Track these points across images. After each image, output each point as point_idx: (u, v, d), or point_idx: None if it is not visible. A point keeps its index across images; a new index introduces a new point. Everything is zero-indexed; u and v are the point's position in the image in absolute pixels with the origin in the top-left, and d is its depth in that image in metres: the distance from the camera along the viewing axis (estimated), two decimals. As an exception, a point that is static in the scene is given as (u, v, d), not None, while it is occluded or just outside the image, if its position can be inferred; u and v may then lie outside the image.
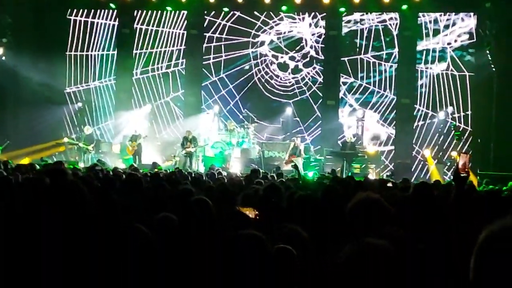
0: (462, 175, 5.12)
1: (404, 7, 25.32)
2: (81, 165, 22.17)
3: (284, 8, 26.66)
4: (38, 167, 13.62)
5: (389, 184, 12.66)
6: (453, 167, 20.82)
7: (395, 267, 2.74)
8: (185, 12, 28.31)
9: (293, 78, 27.67)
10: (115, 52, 28.99)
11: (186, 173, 14.47)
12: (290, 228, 4.16)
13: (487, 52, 24.30)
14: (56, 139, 26.96)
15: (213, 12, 28.05)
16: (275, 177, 14.69)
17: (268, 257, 3.39)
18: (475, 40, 25.51)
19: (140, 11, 28.62)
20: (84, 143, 25.25)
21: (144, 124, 27.22)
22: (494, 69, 23.84)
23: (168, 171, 16.09)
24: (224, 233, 3.84)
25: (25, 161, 20.10)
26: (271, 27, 27.79)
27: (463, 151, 24.06)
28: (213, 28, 28.10)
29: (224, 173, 16.39)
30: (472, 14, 25.77)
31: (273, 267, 3.38)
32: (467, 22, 25.84)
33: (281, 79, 27.75)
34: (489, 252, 2.31)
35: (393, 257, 2.73)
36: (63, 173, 6.82)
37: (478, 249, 2.34)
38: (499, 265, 2.27)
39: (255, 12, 27.65)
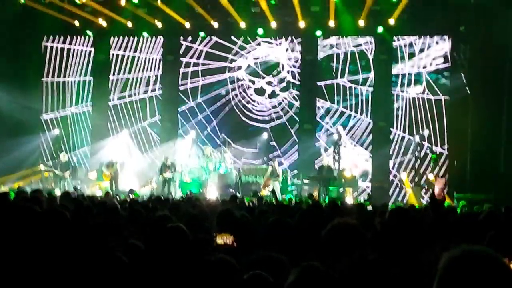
0: (438, 199, 5.15)
1: (380, 30, 25.48)
2: (58, 192, 21.98)
3: (260, 32, 26.73)
4: (13, 195, 13.46)
5: (369, 208, 12.70)
6: (429, 191, 20.99)
7: None
8: (161, 37, 28.35)
9: (270, 102, 27.71)
10: (92, 78, 28.92)
11: (163, 199, 14.37)
12: (265, 254, 4.13)
13: (462, 75, 24.52)
14: (33, 167, 26.76)
15: (190, 38, 28.10)
16: (255, 203, 14.71)
17: (239, 284, 3.37)
18: (449, 63, 25.72)
19: (116, 37, 28.61)
20: (60, 170, 25.08)
21: (121, 150, 27.09)
22: (469, 92, 24.04)
23: (145, 197, 16.02)
24: (199, 259, 3.80)
25: (1, 189, 19.92)
26: (248, 52, 27.88)
27: (440, 175, 24.30)
28: (190, 53, 28.14)
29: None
30: (446, 37, 25.99)
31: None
32: (441, 46, 26.06)
33: (258, 103, 27.79)
34: (448, 276, 2.35)
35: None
36: (38, 202, 6.76)
37: (439, 274, 2.39)
38: None
39: (232, 37, 27.74)
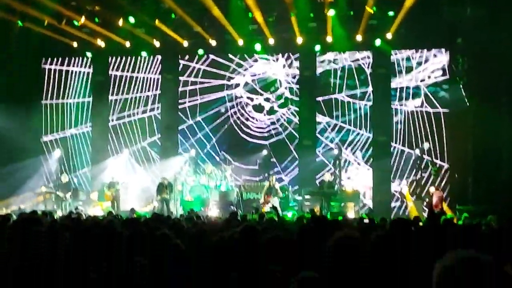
0: (436, 211, 5.16)
1: (378, 43, 25.51)
2: (59, 213, 21.98)
3: (258, 48, 26.79)
4: (15, 217, 13.45)
5: (366, 221, 12.70)
6: (427, 203, 20.99)
7: None
8: (159, 57, 28.44)
9: (268, 119, 27.73)
10: (91, 99, 28.97)
11: (164, 218, 14.34)
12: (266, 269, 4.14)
13: (461, 87, 24.54)
14: (34, 189, 26.74)
15: (187, 56, 28.17)
16: (257, 218, 14.68)
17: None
18: (448, 76, 25.75)
19: (114, 57, 28.70)
20: (62, 191, 25.10)
21: (122, 170, 27.09)
22: (468, 104, 24.06)
23: (147, 217, 15.98)
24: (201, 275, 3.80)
25: (2, 211, 19.90)
26: (246, 69, 27.94)
27: (440, 188, 24.27)
28: (188, 72, 28.21)
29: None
30: (444, 50, 26.03)
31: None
32: (439, 58, 26.09)
33: (256, 120, 27.81)
34: (444, 283, 2.36)
35: None
36: (38, 222, 6.74)
37: (435, 282, 2.39)
38: None
39: (229, 55, 27.82)
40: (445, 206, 22.94)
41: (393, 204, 25.71)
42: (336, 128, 26.91)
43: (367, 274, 3.77)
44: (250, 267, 4.46)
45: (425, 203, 23.21)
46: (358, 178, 26.55)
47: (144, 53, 28.09)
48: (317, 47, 26.60)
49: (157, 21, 25.38)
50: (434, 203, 21.39)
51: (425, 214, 22.26)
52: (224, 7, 24.36)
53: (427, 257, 4.64)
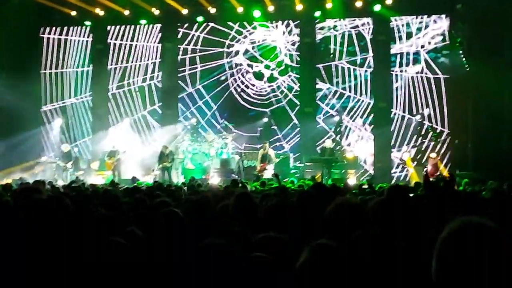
0: (432, 179, 5.18)
1: (377, 8, 25.39)
2: (60, 182, 22.01)
3: (257, 15, 26.65)
4: (15, 187, 13.51)
5: (365, 186, 12.74)
6: (423, 171, 21.03)
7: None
8: (159, 25, 28.29)
9: (269, 86, 27.67)
10: (90, 68, 28.90)
11: (165, 186, 14.39)
12: (265, 236, 4.14)
13: (461, 53, 24.44)
14: (35, 158, 26.80)
15: (187, 24, 28.03)
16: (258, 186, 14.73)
17: (240, 267, 3.39)
18: (448, 41, 25.64)
19: (113, 26, 28.57)
20: (62, 161, 25.15)
21: (123, 139, 27.09)
22: (468, 69, 23.97)
23: (147, 185, 16.05)
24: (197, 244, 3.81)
25: (3, 181, 19.95)
26: (245, 37, 27.82)
27: (441, 153, 24.30)
28: (187, 40, 28.08)
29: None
30: (444, 16, 25.89)
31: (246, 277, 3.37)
32: (439, 24, 25.97)
33: (257, 88, 27.76)
34: (449, 249, 2.36)
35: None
36: (38, 191, 6.76)
37: (439, 246, 2.39)
38: (459, 261, 2.32)
39: (229, 22, 27.67)
40: (444, 171, 23.01)
41: (394, 171, 25.74)
42: (337, 95, 26.85)
43: (366, 242, 3.78)
44: (249, 235, 4.46)
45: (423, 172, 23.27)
46: (359, 145, 26.57)
47: (143, 21, 27.95)
48: (317, 13, 26.46)
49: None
50: (430, 171, 21.47)
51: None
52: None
53: (424, 223, 4.66)
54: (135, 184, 17.16)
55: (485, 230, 2.38)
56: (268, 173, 23.19)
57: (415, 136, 25.54)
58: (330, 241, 3.08)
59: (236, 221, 5.33)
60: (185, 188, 14.75)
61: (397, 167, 25.81)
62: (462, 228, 2.40)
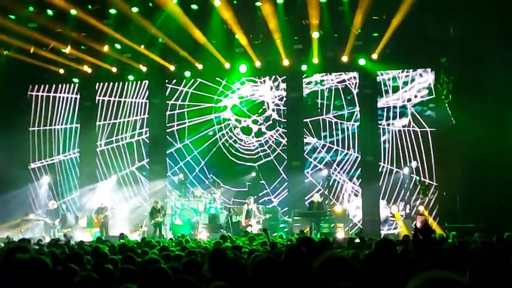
0: (420, 237, 5.20)
1: (363, 62, 25.63)
2: (48, 240, 21.84)
3: (243, 71, 26.84)
4: (2, 245, 13.41)
5: (357, 240, 12.73)
6: (412, 228, 21.00)
7: None
8: (147, 81, 28.45)
9: (256, 141, 27.74)
10: (78, 125, 28.94)
11: (155, 242, 14.31)
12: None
13: (446, 106, 24.66)
14: (23, 216, 26.63)
15: (175, 80, 28.19)
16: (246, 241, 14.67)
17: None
18: (434, 95, 25.86)
19: (101, 83, 28.71)
20: (50, 218, 25.02)
21: (110, 196, 27.04)
22: (454, 122, 24.16)
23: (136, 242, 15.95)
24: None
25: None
26: (233, 91, 27.98)
27: (427, 208, 24.33)
28: (176, 96, 28.21)
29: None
30: (429, 70, 26.16)
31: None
32: (425, 78, 26.22)
33: (245, 142, 27.81)
34: None
35: None
36: (25, 250, 6.72)
37: None
38: None
39: (217, 78, 27.84)
40: (434, 224, 23.01)
41: (383, 224, 25.69)
42: (325, 149, 26.93)
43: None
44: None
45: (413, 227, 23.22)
46: (347, 199, 26.54)
47: (131, 77, 28.08)
48: (304, 67, 26.63)
49: (142, 47, 25.54)
50: (419, 225, 21.44)
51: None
52: (208, 31, 24.60)
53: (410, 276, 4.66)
54: (123, 241, 17.04)
55: (450, 286, 2.32)
56: (252, 228, 23.25)
57: (403, 190, 25.55)
58: None
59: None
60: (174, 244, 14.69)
61: (385, 221, 25.76)
62: (425, 284, 2.35)
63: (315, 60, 25.84)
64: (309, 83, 27.36)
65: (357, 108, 26.76)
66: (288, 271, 5.10)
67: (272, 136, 27.62)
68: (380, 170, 26.12)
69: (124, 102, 28.63)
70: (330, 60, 26.18)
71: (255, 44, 25.90)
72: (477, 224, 20.33)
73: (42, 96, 29.15)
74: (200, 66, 26.85)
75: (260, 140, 27.69)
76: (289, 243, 13.21)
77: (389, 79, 26.52)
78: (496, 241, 11.61)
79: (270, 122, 27.68)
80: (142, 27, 24.50)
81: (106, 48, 25.72)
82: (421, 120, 25.90)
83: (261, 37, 25.48)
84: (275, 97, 27.72)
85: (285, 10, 23.93)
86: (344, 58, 25.55)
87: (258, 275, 5.05)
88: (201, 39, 24.71)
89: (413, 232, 8.51)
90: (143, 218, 25.38)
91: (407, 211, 25.00)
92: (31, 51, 25.32)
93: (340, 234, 22.71)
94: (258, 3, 23.80)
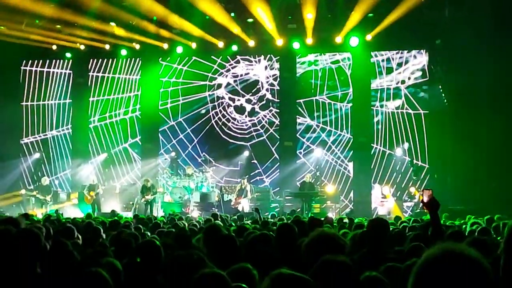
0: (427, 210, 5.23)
1: (356, 42, 25.54)
2: (39, 216, 21.85)
3: (235, 49, 26.76)
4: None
5: (345, 221, 12.79)
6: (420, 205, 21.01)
7: None
8: (140, 58, 28.33)
9: (249, 120, 27.72)
10: (71, 101, 28.84)
11: (146, 219, 14.34)
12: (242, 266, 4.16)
13: (440, 87, 24.68)
14: (14, 191, 26.63)
15: (169, 58, 28.05)
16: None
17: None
18: (427, 77, 25.86)
19: (94, 59, 28.58)
20: (42, 194, 25.03)
21: (102, 172, 27.08)
22: (447, 104, 24.20)
23: (127, 219, 15.99)
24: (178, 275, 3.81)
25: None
26: (228, 70, 27.90)
27: (424, 187, 24.37)
28: (170, 73, 28.11)
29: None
30: (423, 51, 26.14)
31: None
32: (419, 59, 26.20)
33: (238, 121, 27.79)
34: (426, 276, 2.29)
35: None
36: (15, 223, 6.74)
37: (416, 272, 2.33)
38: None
39: (212, 56, 27.72)
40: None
41: (374, 205, 25.76)
42: (317, 130, 26.93)
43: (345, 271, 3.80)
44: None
45: (420, 205, 23.26)
46: (339, 179, 26.58)
47: (123, 52, 27.89)
48: (296, 45, 26.45)
49: (137, 23, 25.42)
50: (426, 202, 21.49)
51: (407, 214, 22.39)
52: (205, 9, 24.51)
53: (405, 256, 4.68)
54: (115, 218, 17.06)
55: (466, 260, 2.28)
56: (241, 207, 23.42)
57: (395, 171, 25.61)
58: (290, 270, 3.09)
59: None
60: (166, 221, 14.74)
61: (377, 201, 25.82)
62: (440, 256, 2.31)
63: (309, 40, 25.76)
64: (303, 63, 27.29)
65: (350, 89, 26.73)
66: (279, 248, 5.13)
67: (265, 115, 27.60)
68: (372, 151, 26.14)
69: (118, 78, 28.51)
70: (325, 40, 26.10)
71: (249, 23, 25.79)
72: (468, 206, 20.44)
73: (35, 70, 29.01)
74: (194, 45, 26.70)
75: (253, 120, 27.67)
76: (280, 222, 13.25)
77: (383, 61, 26.49)
78: (486, 223, 11.65)
79: (264, 101, 27.64)
80: (136, 3, 24.35)
81: (100, 25, 25.56)
82: (414, 102, 25.88)
83: (254, 16, 25.32)
84: (270, 76, 27.65)
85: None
86: (338, 39, 25.49)
87: (251, 252, 5.08)
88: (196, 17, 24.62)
89: (422, 205, 8.50)
90: (135, 196, 25.39)
91: (399, 192, 25.10)
92: (23, 26, 25.18)
93: (331, 215, 22.77)
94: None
